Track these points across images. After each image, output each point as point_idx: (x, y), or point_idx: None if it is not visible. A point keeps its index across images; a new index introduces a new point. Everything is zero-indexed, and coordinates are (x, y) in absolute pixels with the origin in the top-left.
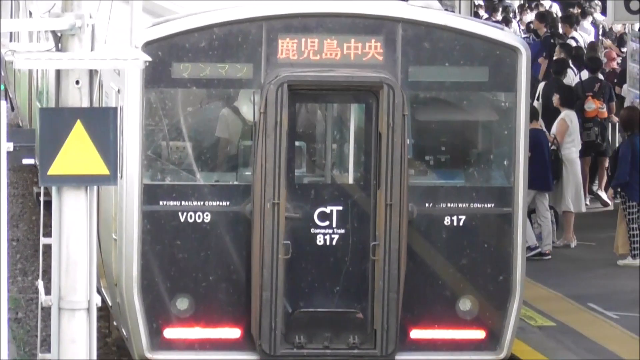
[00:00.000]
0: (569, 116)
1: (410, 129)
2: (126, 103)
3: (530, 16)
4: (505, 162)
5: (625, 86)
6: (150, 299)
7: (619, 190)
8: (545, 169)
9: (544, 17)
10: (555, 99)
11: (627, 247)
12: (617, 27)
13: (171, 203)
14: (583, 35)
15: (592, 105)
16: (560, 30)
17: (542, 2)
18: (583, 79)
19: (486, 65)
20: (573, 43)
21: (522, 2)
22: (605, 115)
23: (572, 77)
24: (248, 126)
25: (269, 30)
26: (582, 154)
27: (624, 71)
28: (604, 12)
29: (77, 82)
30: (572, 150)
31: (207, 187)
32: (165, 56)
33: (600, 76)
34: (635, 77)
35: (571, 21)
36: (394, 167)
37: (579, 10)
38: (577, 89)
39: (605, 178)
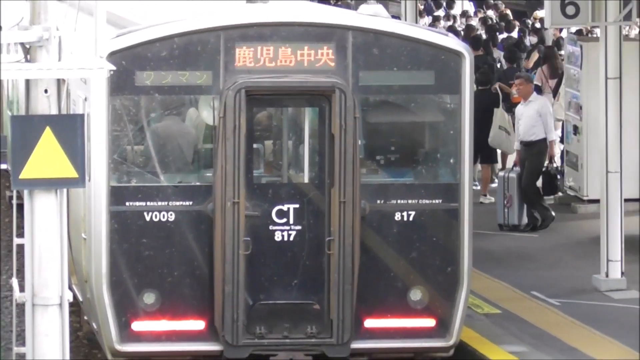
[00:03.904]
0: None
1: (362, 131)
2: (93, 110)
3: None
4: (451, 160)
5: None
6: (118, 294)
7: None
8: None
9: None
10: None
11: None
12: (551, 32)
13: (137, 203)
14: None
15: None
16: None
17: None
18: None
19: (432, 69)
20: None
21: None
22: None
23: None
24: (209, 130)
25: (226, 40)
26: None
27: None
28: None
29: (46, 91)
30: None
31: (170, 188)
32: (128, 65)
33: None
34: (572, 78)
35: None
36: (347, 167)
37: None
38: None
39: None
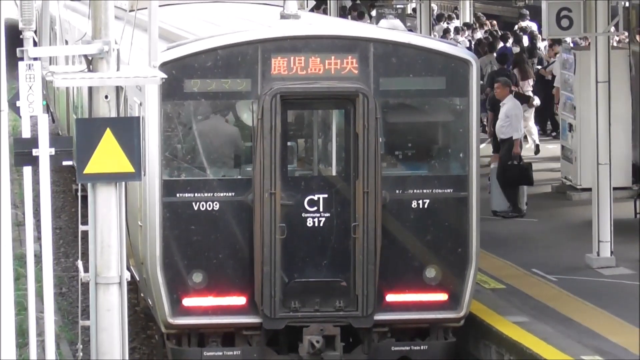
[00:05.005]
0: None
1: (382, 130)
2: (147, 113)
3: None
4: (461, 155)
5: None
6: (170, 274)
7: None
8: None
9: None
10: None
11: None
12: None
13: (186, 195)
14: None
15: None
16: None
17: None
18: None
19: (443, 75)
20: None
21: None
22: None
23: None
24: (248, 130)
25: (263, 51)
26: None
27: None
28: (532, 20)
29: (106, 97)
30: None
31: (215, 181)
32: (178, 74)
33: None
34: (567, 82)
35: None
36: (370, 161)
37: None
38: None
39: None
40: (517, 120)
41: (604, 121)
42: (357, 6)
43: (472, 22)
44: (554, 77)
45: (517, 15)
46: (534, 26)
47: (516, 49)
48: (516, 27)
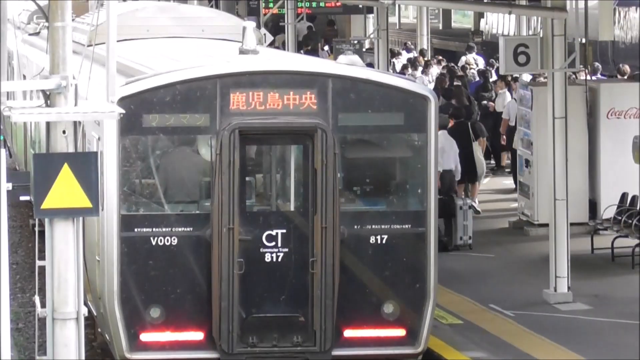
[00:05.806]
0: None
1: (340, 165)
2: (105, 148)
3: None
4: (419, 191)
5: None
6: (128, 309)
7: None
8: None
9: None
10: None
11: None
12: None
13: (144, 230)
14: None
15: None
16: None
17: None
18: None
19: (402, 111)
20: None
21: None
22: None
23: None
24: (207, 165)
25: (222, 86)
26: None
27: None
28: (479, 53)
29: (64, 132)
30: None
31: (173, 216)
32: (136, 109)
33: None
34: (524, 118)
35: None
36: (328, 197)
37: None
38: None
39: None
40: (441, 154)
41: (561, 157)
42: (310, 40)
43: (430, 58)
44: (497, 112)
45: (465, 48)
46: (480, 60)
47: (457, 83)
48: (463, 59)
